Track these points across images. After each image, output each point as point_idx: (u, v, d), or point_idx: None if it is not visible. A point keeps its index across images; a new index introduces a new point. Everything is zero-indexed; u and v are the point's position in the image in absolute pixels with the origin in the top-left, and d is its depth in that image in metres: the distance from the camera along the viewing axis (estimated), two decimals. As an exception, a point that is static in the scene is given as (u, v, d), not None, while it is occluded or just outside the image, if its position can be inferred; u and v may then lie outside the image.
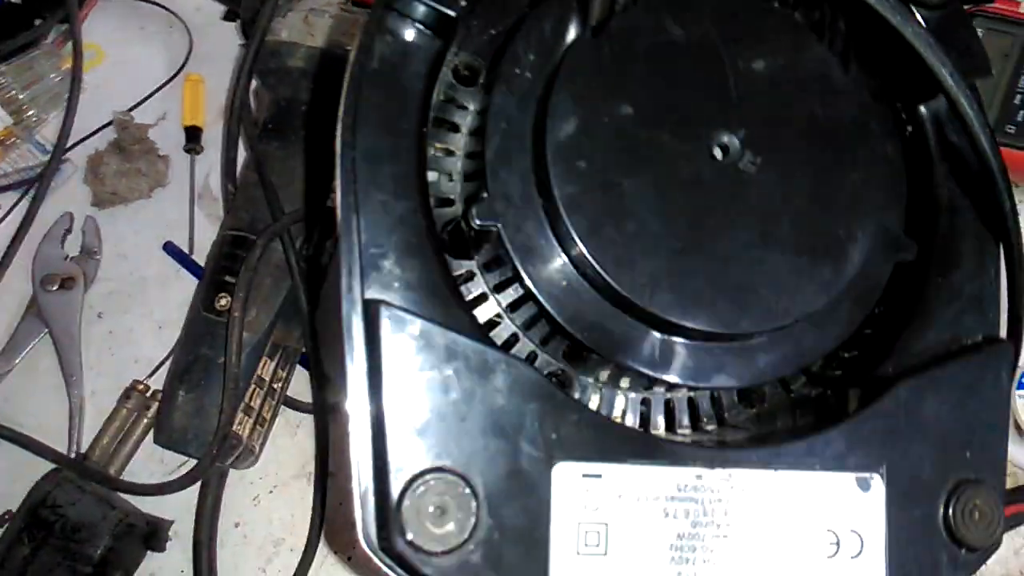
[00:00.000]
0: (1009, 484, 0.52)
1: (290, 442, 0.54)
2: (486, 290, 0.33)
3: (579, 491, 0.30)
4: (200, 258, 0.58)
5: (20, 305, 0.56)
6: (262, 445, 0.53)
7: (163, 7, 0.62)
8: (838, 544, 0.32)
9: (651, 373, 0.33)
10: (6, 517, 0.51)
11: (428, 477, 0.28)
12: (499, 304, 0.33)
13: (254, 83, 0.56)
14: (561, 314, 0.32)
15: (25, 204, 0.57)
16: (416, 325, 0.29)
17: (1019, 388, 0.52)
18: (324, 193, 0.52)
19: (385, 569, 0.28)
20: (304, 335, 0.52)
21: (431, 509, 0.28)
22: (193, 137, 0.60)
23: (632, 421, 0.35)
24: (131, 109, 0.60)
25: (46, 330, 0.56)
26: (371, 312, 0.29)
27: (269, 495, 0.53)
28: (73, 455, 0.53)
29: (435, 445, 0.29)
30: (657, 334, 0.33)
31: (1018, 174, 0.56)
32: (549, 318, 0.33)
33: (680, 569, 0.31)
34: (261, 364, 0.51)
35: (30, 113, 0.60)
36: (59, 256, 0.57)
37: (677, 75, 0.34)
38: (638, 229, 0.32)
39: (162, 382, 0.54)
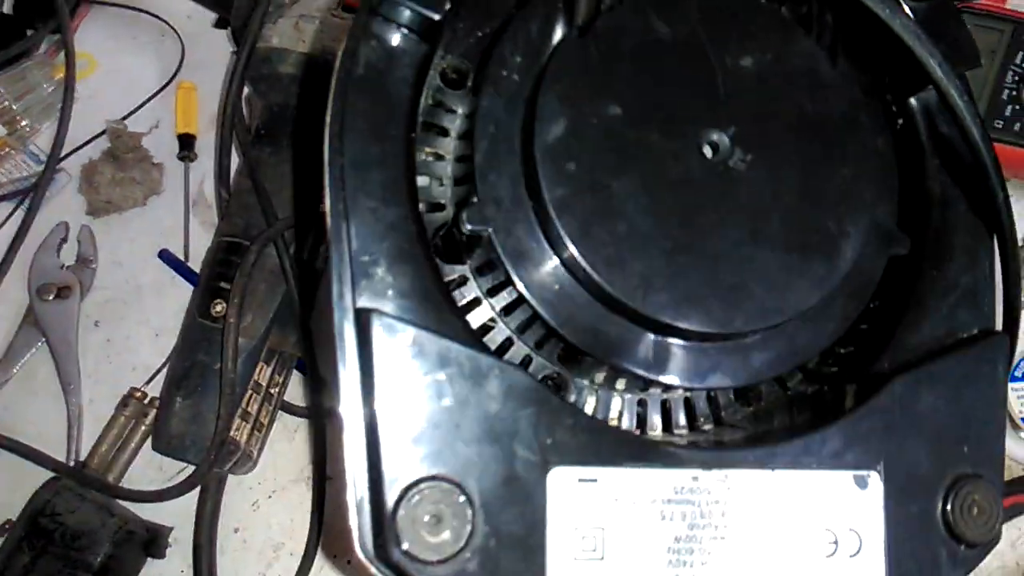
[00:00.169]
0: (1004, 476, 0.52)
1: (288, 447, 0.54)
2: (479, 294, 0.33)
3: (575, 496, 0.30)
4: (195, 265, 0.58)
5: (17, 315, 0.57)
6: (260, 450, 0.53)
7: (155, 16, 0.62)
8: (836, 543, 0.32)
9: (646, 375, 0.33)
10: (6, 526, 0.51)
11: (423, 486, 0.28)
12: (492, 308, 0.33)
13: (246, 90, 0.56)
14: (554, 318, 0.32)
15: (20, 214, 0.58)
16: (408, 333, 0.29)
17: (1012, 381, 0.52)
18: (316, 197, 0.52)
19: None
20: (299, 340, 0.53)
21: (427, 518, 0.28)
22: (187, 144, 0.60)
23: (628, 423, 0.35)
24: (124, 118, 0.60)
25: (43, 339, 0.56)
26: (363, 321, 0.29)
27: (268, 500, 0.53)
28: (72, 463, 0.53)
29: (430, 453, 0.29)
30: (651, 335, 0.33)
31: (1007, 169, 0.56)
32: (543, 322, 0.32)
33: (678, 572, 0.31)
34: (257, 369, 0.51)
35: (23, 123, 0.60)
36: (55, 265, 0.57)
37: (664, 74, 0.34)
38: (629, 230, 0.32)
39: (159, 389, 0.54)
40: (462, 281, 0.33)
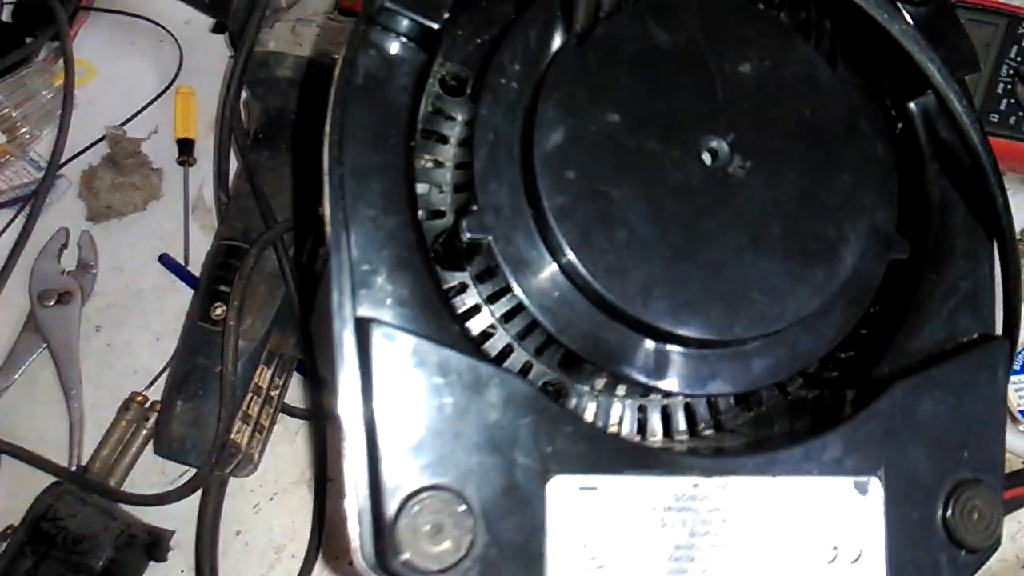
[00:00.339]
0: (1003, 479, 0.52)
1: (289, 449, 0.55)
2: (479, 301, 0.33)
3: (575, 504, 0.30)
4: (195, 269, 0.58)
5: (18, 321, 0.57)
6: (261, 452, 0.53)
7: (152, 21, 0.63)
8: (837, 549, 0.32)
9: (646, 381, 0.33)
10: (8, 531, 0.51)
11: (423, 495, 0.28)
12: (493, 315, 0.33)
13: (244, 94, 0.56)
14: (554, 325, 0.32)
15: (21, 220, 0.58)
16: (408, 342, 0.29)
17: (1015, 373, 0.52)
18: (314, 200, 0.52)
19: None
20: (299, 342, 0.53)
21: (427, 527, 0.28)
22: (185, 149, 0.60)
23: (629, 428, 0.35)
24: (123, 123, 0.60)
25: (45, 345, 0.56)
26: (363, 330, 0.29)
27: (269, 502, 0.54)
28: (74, 468, 0.53)
29: (430, 463, 0.29)
30: (651, 342, 0.33)
31: (1003, 162, 0.56)
32: (543, 329, 0.33)
33: None
34: (258, 372, 0.52)
35: (23, 130, 0.60)
36: (56, 271, 0.57)
37: (663, 81, 0.34)
38: (628, 237, 0.32)
39: (161, 393, 0.54)
40: (463, 288, 0.33)
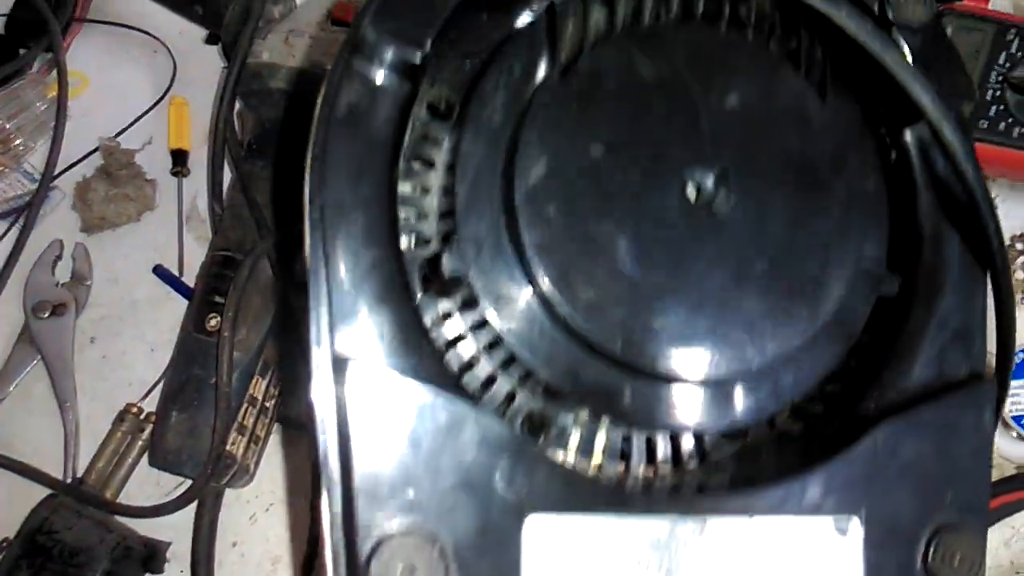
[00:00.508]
0: (995, 476, 0.52)
1: (284, 460, 0.55)
2: (463, 330, 0.33)
3: (551, 544, 0.29)
4: (190, 280, 0.58)
5: (12, 333, 0.57)
6: (257, 463, 0.53)
7: (146, 33, 0.63)
8: None
9: (626, 418, 0.32)
10: (4, 544, 0.51)
11: (396, 538, 0.28)
12: (476, 344, 0.33)
13: (238, 105, 0.56)
14: (534, 359, 0.32)
15: (15, 232, 0.58)
16: (385, 382, 0.29)
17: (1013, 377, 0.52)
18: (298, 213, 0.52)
19: None
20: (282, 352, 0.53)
21: (400, 569, 0.27)
22: (179, 160, 0.60)
23: (612, 459, 0.34)
24: (117, 135, 0.60)
25: (39, 357, 0.56)
26: (339, 368, 0.28)
27: (265, 513, 0.54)
28: (69, 480, 0.53)
29: (404, 504, 0.28)
30: (631, 379, 0.32)
31: (992, 168, 0.57)
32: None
33: None
34: (253, 383, 0.52)
35: (17, 142, 0.60)
36: (50, 283, 0.57)
37: (648, 114, 0.33)
38: (609, 274, 0.31)
39: (156, 404, 0.54)
40: (447, 315, 0.33)
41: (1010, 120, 0.53)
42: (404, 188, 0.32)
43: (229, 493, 0.53)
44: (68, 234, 0.59)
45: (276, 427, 0.55)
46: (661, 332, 0.32)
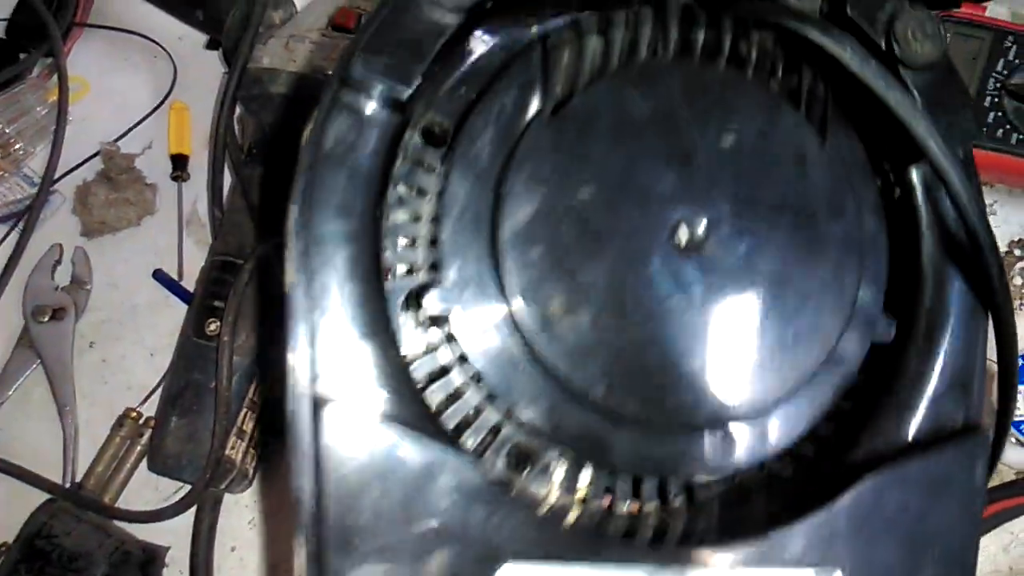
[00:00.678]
0: (995, 481, 0.52)
1: (284, 464, 0.55)
2: (452, 360, 0.32)
3: None
4: (189, 284, 0.58)
5: (12, 337, 0.57)
6: (256, 468, 0.53)
7: (146, 37, 0.63)
8: None
9: (611, 463, 0.32)
10: (2, 549, 0.51)
11: None
12: (457, 381, 0.32)
13: (238, 110, 0.56)
14: (514, 402, 0.31)
15: (14, 236, 0.58)
16: (361, 425, 0.28)
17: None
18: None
19: None
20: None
21: None
22: (179, 165, 0.60)
23: (598, 495, 0.33)
24: (117, 139, 0.60)
25: (38, 361, 0.56)
26: (317, 408, 0.28)
27: (264, 518, 0.54)
28: (68, 484, 0.53)
29: (376, 548, 0.28)
30: (614, 424, 0.32)
31: (989, 174, 0.57)
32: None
33: None
34: (252, 387, 0.52)
35: (17, 146, 0.60)
36: (49, 287, 0.57)
37: (640, 155, 0.33)
38: (594, 320, 0.31)
39: (155, 409, 0.54)
40: (430, 350, 0.32)
41: (1008, 127, 0.54)
42: (396, 215, 0.32)
43: (228, 498, 0.53)
44: (68, 238, 0.59)
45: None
46: (645, 379, 0.31)
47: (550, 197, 0.32)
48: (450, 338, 0.32)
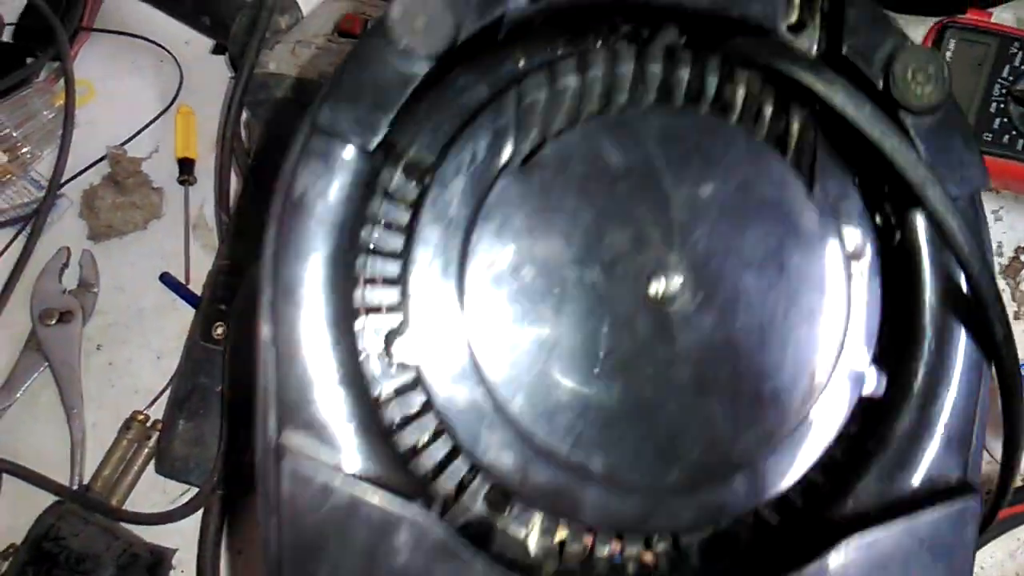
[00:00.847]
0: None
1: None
2: (420, 407, 0.32)
3: None
4: (196, 288, 0.58)
5: (19, 340, 0.57)
6: (262, 471, 0.53)
7: (153, 42, 0.63)
8: None
9: (586, 520, 0.32)
10: (10, 551, 0.51)
11: None
12: (432, 423, 0.32)
13: (245, 114, 0.57)
14: (482, 456, 0.31)
15: (22, 240, 0.58)
16: (320, 478, 0.28)
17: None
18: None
19: None
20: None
21: None
22: (186, 169, 0.60)
23: (576, 540, 0.33)
24: (124, 143, 0.61)
25: (46, 364, 0.56)
26: (279, 457, 0.28)
27: (271, 521, 0.54)
28: (75, 487, 0.53)
29: None
30: (584, 483, 0.31)
31: (997, 181, 0.57)
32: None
33: None
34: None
35: (24, 150, 0.60)
36: (57, 290, 0.57)
37: (613, 206, 0.32)
38: (561, 376, 0.31)
39: (162, 412, 0.54)
40: (399, 392, 0.32)
41: (1014, 133, 0.54)
42: (368, 258, 0.31)
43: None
44: (75, 242, 0.59)
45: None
46: (614, 438, 0.31)
47: (519, 250, 0.31)
48: (419, 384, 0.31)
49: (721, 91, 0.33)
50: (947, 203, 0.29)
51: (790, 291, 0.33)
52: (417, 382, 0.31)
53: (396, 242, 0.32)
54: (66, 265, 0.58)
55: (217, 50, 0.63)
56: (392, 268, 0.32)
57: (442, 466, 0.31)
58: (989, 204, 0.59)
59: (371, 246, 0.32)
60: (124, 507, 0.53)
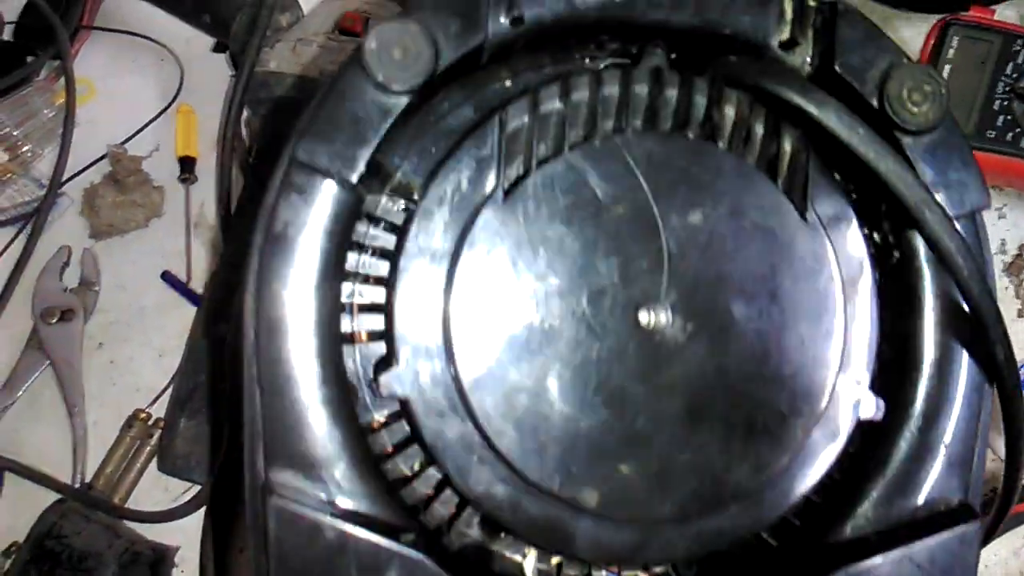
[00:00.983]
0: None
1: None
2: (409, 437, 0.32)
3: None
4: (197, 286, 0.58)
5: (21, 338, 0.57)
6: (264, 470, 0.53)
7: (153, 40, 0.63)
8: None
9: (572, 554, 0.31)
10: (12, 549, 0.51)
11: None
12: (421, 453, 0.32)
13: (245, 113, 0.56)
14: (472, 489, 0.30)
15: (23, 238, 0.58)
16: (308, 517, 0.28)
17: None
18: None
19: None
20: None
21: None
22: (187, 167, 0.60)
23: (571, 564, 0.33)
24: (125, 141, 0.61)
25: (47, 362, 0.56)
26: (264, 498, 0.28)
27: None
28: (77, 485, 0.54)
29: None
30: (572, 514, 0.31)
31: (1000, 178, 0.57)
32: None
33: None
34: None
35: (25, 149, 0.60)
36: (58, 289, 0.58)
37: (600, 235, 0.31)
38: (549, 411, 0.30)
39: (164, 410, 0.54)
40: (393, 421, 0.31)
41: (1017, 130, 0.54)
42: (354, 286, 0.31)
43: (237, 499, 0.53)
44: (76, 240, 0.59)
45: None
46: (605, 471, 0.30)
47: (504, 282, 0.30)
48: (407, 416, 0.31)
49: (709, 114, 0.33)
50: (945, 225, 0.29)
51: (784, 318, 0.32)
52: (405, 414, 0.31)
53: (382, 268, 0.31)
54: (67, 263, 0.59)
55: (218, 48, 0.63)
56: (378, 295, 0.31)
57: (434, 494, 0.31)
58: (992, 202, 0.58)
59: (357, 271, 0.31)
60: (126, 505, 0.53)
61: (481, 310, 0.30)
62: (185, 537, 0.53)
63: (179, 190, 0.60)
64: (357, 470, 0.29)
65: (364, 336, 0.31)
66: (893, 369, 0.33)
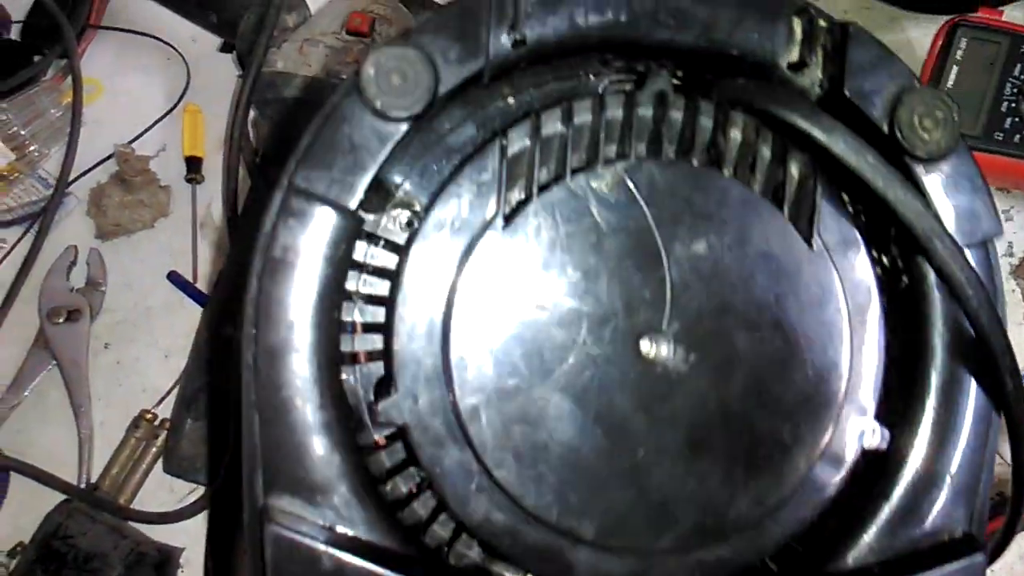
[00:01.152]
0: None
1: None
2: (407, 462, 0.31)
3: None
4: (204, 286, 0.58)
5: (27, 338, 0.57)
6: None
7: (160, 40, 0.63)
8: None
9: None
10: (18, 549, 0.51)
11: None
12: (419, 478, 0.31)
13: (252, 113, 0.56)
14: (470, 517, 0.30)
15: (30, 238, 0.58)
16: (306, 545, 0.27)
17: None
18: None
19: None
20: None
21: None
22: (194, 167, 0.60)
23: None
24: (131, 141, 0.61)
25: (54, 362, 0.56)
26: (262, 522, 0.28)
27: (278, 520, 0.54)
28: (83, 485, 0.54)
29: None
30: (575, 544, 0.31)
31: (1008, 180, 0.57)
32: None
33: None
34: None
35: (32, 148, 0.60)
36: (65, 289, 0.58)
37: (602, 263, 0.31)
38: (548, 440, 0.30)
39: (170, 411, 0.54)
40: (392, 444, 0.31)
41: (1024, 132, 0.53)
42: (354, 311, 0.31)
43: (242, 500, 0.53)
44: (83, 240, 0.59)
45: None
46: (605, 501, 0.30)
47: (504, 310, 0.30)
48: (406, 442, 0.31)
49: (715, 139, 0.32)
50: (955, 255, 0.28)
51: (788, 349, 0.31)
52: (403, 442, 0.31)
53: (382, 288, 0.31)
54: (74, 263, 0.59)
55: (225, 48, 0.63)
56: (379, 314, 0.31)
57: (433, 516, 0.31)
58: (999, 204, 0.58)
59: (358, 290, 0.31)
60: (132, 506, 0.53)
61: (480, 337, 0.30)
62: (190, 538, 0.53)
63: (186, 190, 0.60)
64: (356, 495, 0.29)
65: (364, 356, 0.31)
66: (899, 396, 0.32)
